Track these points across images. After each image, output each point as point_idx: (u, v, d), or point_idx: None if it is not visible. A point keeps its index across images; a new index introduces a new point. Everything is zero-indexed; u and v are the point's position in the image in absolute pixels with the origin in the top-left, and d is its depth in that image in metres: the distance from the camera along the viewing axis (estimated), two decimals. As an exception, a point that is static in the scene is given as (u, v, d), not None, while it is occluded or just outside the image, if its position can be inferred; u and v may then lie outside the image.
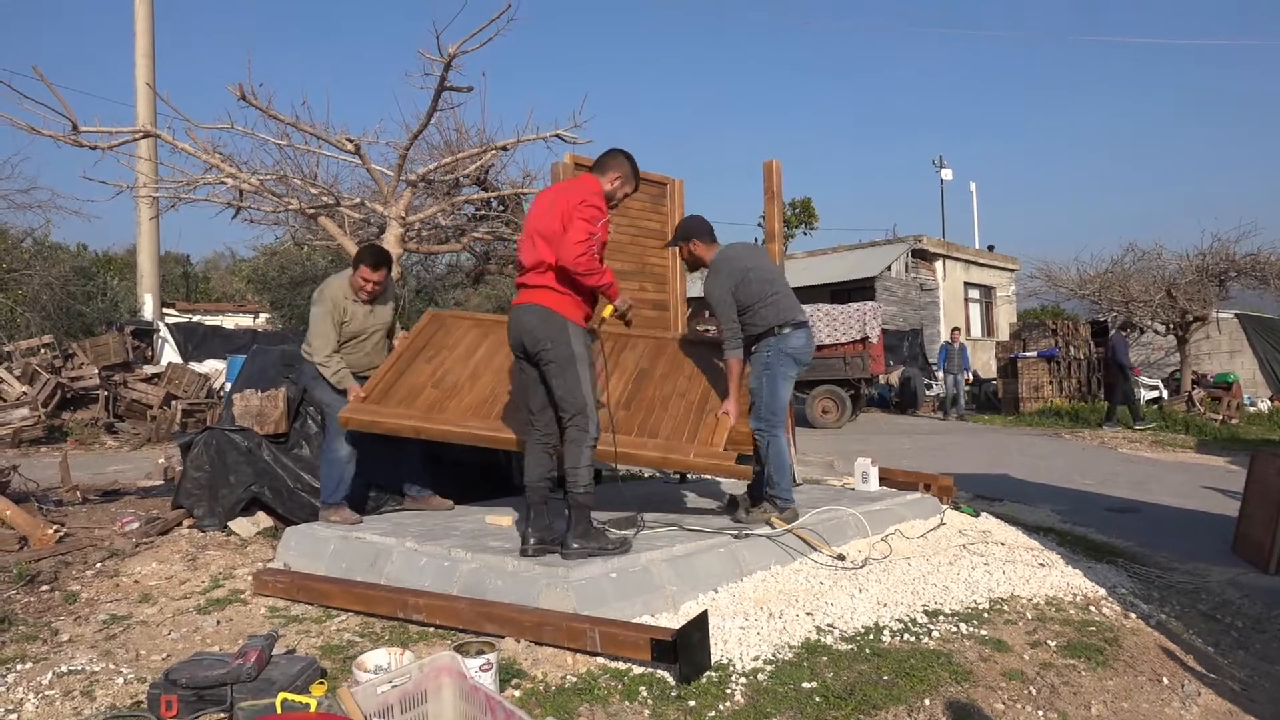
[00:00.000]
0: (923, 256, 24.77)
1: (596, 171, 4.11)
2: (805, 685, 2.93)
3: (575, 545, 3.80)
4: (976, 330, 26.33)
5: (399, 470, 5.37)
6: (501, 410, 4.78)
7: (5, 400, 11.75)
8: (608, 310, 4.25)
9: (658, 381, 4.99)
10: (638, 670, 3.04)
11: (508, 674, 2.98)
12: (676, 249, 5.09)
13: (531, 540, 3.88)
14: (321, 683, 2.79)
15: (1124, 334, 15.92)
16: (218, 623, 3.71)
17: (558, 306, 3.84)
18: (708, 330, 17.37)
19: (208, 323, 19.70)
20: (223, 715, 2.68)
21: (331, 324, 4.83)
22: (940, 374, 17.79)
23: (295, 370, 5.40)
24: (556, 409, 3.92)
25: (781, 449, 4.65)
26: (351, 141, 6.47)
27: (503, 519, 4.81)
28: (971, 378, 19.22)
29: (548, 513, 3.97)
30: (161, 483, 6.99)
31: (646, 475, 8.01)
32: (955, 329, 19.04)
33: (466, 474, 5.87)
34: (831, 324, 16.33)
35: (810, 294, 21.81)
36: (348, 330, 4.92)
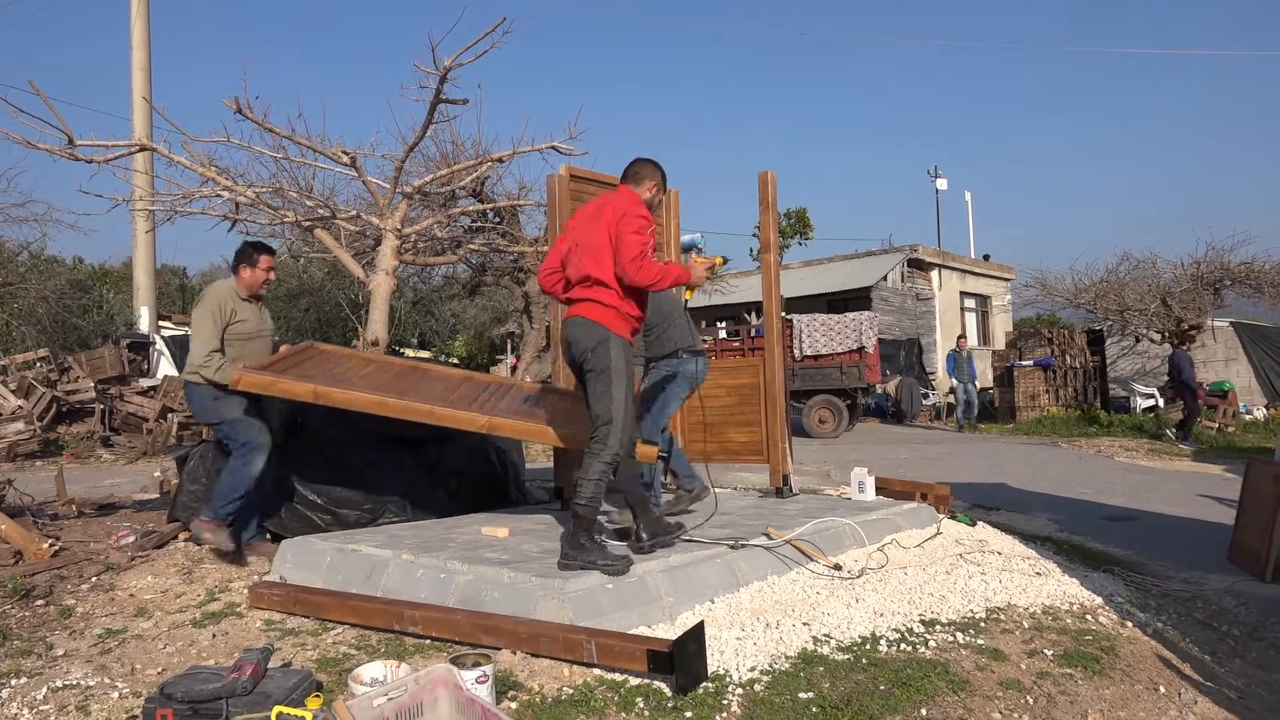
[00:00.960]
0: (918, 266, 24.83)
1: (631, 183, 4.19)
2: (802, 696, 2.93)
3: (570, 554, 3.78)
4: (973, 339, 26.36)
5: (274, 496, 5.16)
6: (415, 394, 4.81)
7: (0, 414, 11.73)
8: (701, 275, 4.27)
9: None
10: (634, 681, 3.03)
11: (504, 686, 2.97)
12: None
13: (645, 536, 4.07)
14: (317, 696, 2.79)
15: (1185, 348, 15.00)
16: (213, 636, 3.70)
17: (601, 319, 3.93)
18: (703, 340, 17.42)
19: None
20: (218, 729, 2.67)
21: (215, 325, 4.72)
22: (952, 382, 17.32)
23: (189, 404, 5.10)
24: (591, 411, 3.97)
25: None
26: (347, 154, 6.49)
27: (498, 530, 4.80)
28: (978, 386, 18.90)
29: (650, 508, 4.16)
30: (157, 496, 6.97)
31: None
32: (961, 337, 18.83)
33: (462, 484, 5.87)
34: (828, 334, 16.36)
35: (806, 304, 21.86)
36: (243, 330, 4.83)
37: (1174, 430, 14.13)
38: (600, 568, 3.71)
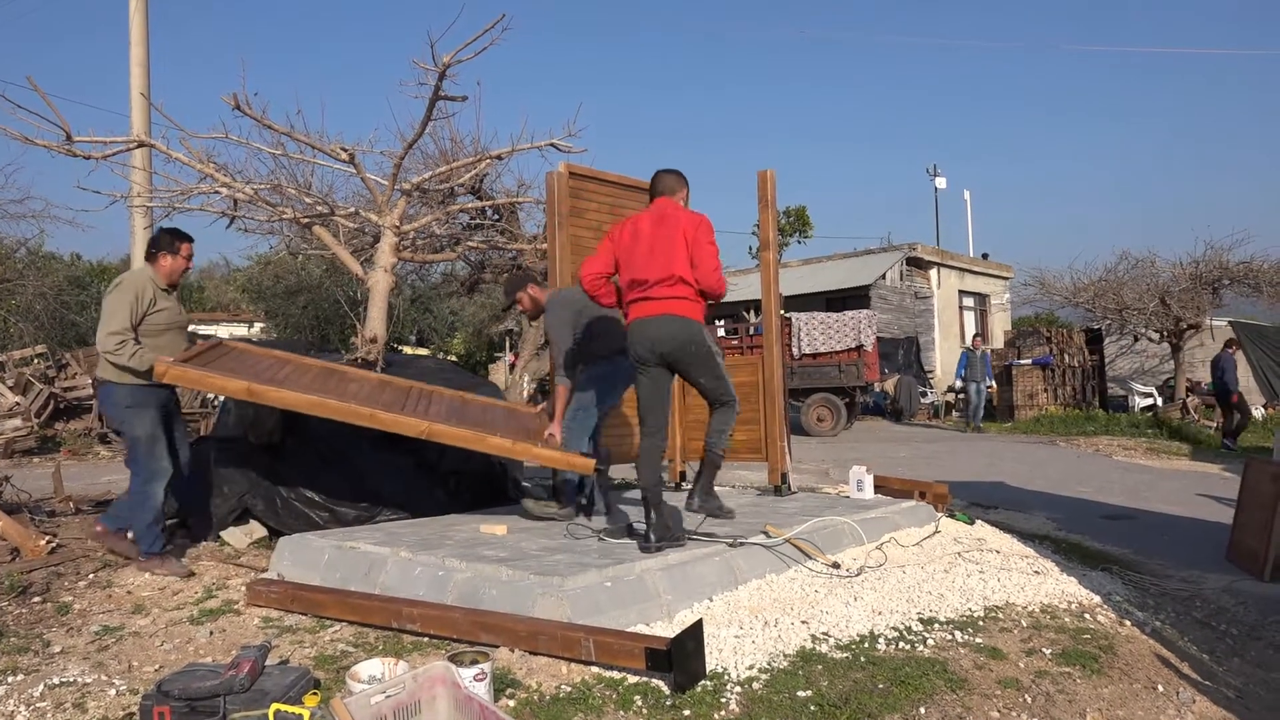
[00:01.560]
0: (917, 264, 24.83)
1: (669, 194, 4.48)
2: (800, 694, 2.93)
3: (698, 500, 4.45)
4: (971, 339, 26.36)
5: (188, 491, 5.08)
6: (345, 397, 4.75)
7: (-2, 410, 11.72)
8: None
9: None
10: (632, 679, 3.03)
11: (502, 684, 2.97)
12: (517, 302, 5.42)
13: (654, 537, 4.21)
14: (315, 693, 2.78)
15: (1231, 350, 14.33)
16: (211, 633, 3.69)
17: (692, 314, 4.29)
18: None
19: (202, 332, 19.66)
20: (215, 727, 2.66)
21: (130, 312, 4.49)
22: (958, 382, 16.80)
23: (100, 403, 4.90)
24: (706, 399, 4.52)
25: (579, 449, 5.07)
26: (346, 151, 6.47)
27: (497, 528, 4.80)
28: (993, 386, 18.17)
29: (665, 510, 4.30)
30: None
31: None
32: (976, 335, 18.59)
33: (460, 483, 5.86)
34: (826, 332, 16.36)
35: (805, 302, 21.86)
36: (161, 320, 4.63)
37: (1227, 441, 13.33)
38: (719, 514, 4.53)
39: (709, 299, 4.35)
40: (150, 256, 4.75)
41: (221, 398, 9.74)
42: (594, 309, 5.10)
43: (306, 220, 7.06)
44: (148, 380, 4.51)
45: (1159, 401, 18.66)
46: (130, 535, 4.67)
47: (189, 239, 4.82)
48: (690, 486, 4.86)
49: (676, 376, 4.54)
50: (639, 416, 4.49)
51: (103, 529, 4.80)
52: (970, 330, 26.41)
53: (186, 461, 4.87)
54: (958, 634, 3.54)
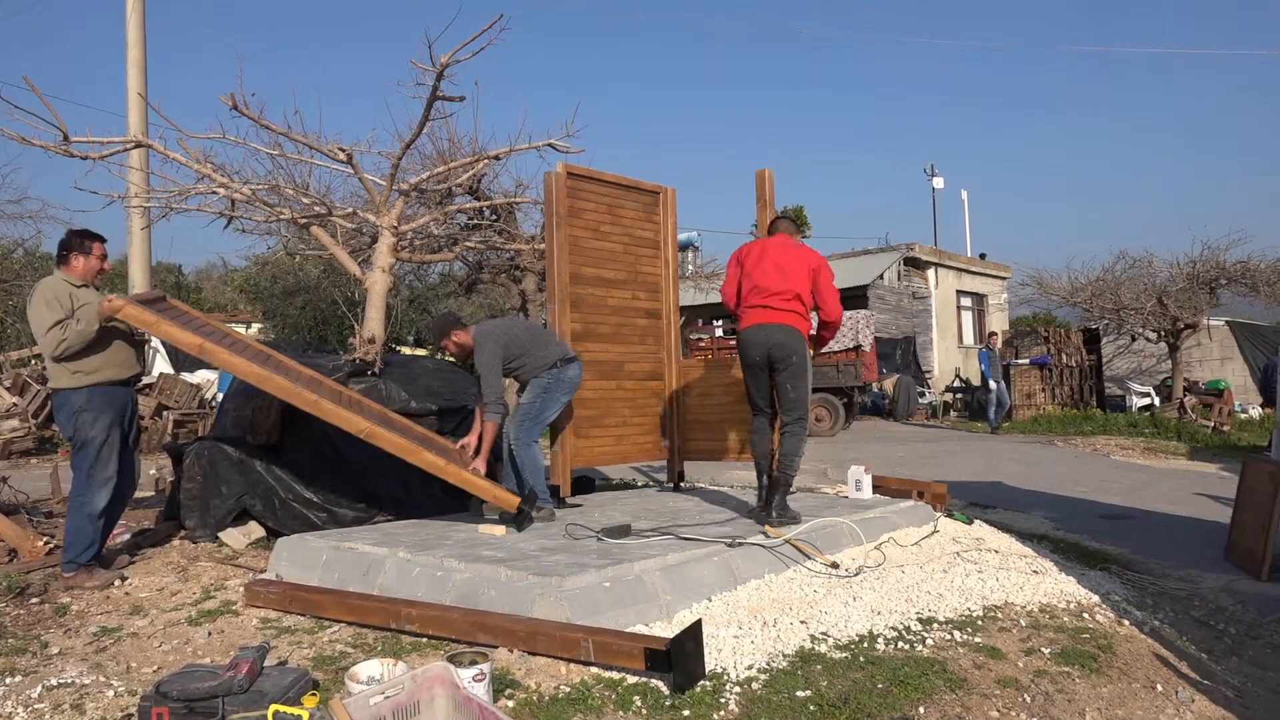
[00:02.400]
0: (915, 264, 24.83)
1: (794, 236, 5.19)
2: (799, 694, 2.93)
3: (775, 515, 4.79)
4: (969, 338, 26.39)
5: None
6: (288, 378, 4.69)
7: (-5, 411, 11.70)
8: None
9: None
10: (632, 680, 3.02)
11: (501, 684, 2.97)
12: (443, 348, 5.44)
13: (774, 515, 4.83)
14: (313, 694, 2.77)
15: None
16: (209, 634, 3.69)
17: (802, 329, 4.94)
18: (700, 339, 17.44)
19: (200, 333, 19.59)
20: (214, 728, 2.66)
21: (54, 311, 4.34)
22: (993, 383, 15.78)
23: (55, 413, 4.68)
24: (782, 406, 4.98)
25: (535, 456, 5.27)
26: (344, 151, 6.46)
27: (496, 529, 4.80)
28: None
29: (782, 484, 4.93)
30: (153, 494, 6.96)
31: (640, 485, 8.02)
32: (993, 333, 18.26)
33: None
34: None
35: (803, 302, 21.81)
36: (90, 312, 4.42)
37: None
38: (795, 524, 4.76)
39: (827, 327, 5.13)
40: (61, 259, 4.57)
41: (220, 399, 9.73)
42: (520, 333, 5.33)
43: (304, 220, 7.05)
44: (106, 379, 4.45)
45: (1156, 401, 18.68)
46: (74, 564, 4.43)
47: (101, 239, 4.67)
48: (760, 504, 5.13)
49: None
50: (749, 404, 5.15)
51: (68, 578, 4.45)
52: (968, 330, 26.47)
53: (136, 469, 4.80)
54: (957, 634, 3.54)
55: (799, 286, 4.90)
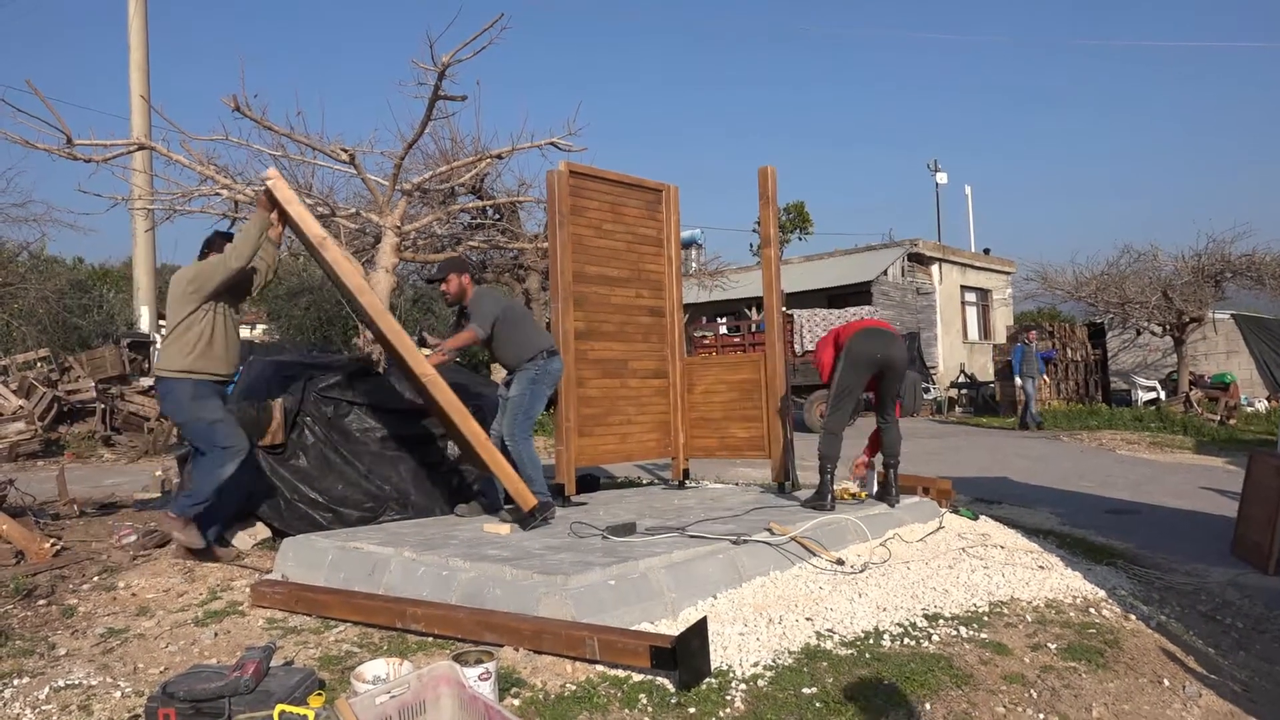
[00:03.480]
0: (919, 260, 24.79)
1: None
2: (805, 691, 2.92)
3: (896, 496, 5.47)
4: (974, 333, 26.35)
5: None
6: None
7: (1, 414, 11.73)
8: None
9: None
10: (637, 678, 3.02)
11: (507, 683, 2.97)
12: (445, 282, 5.44)
13: (817, 501, 5.27)
14: (320, 694, 2.78)
15: None
16: (215, 635, 3.69)
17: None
18: (704, 337, 17.43)
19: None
20: (221, 728, 2.66)
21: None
22: (1017, 380, 15.36)
23: (161, 399, 4.90)
24: (889, 406, 5.52)
25: (533, 452, 5.29)
26: (346, 152, 6.47)
27: (501, 528, 4.80)
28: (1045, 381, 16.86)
29: (828, 481, 5.31)
30: (159, 495, 6.97)
31: (645, 483, 8.01)
32: (1028, 328, 17.81)
33: (464, 482, 5.86)
34: (828, 329, 16.32)
35: (807, 299, 21.83)
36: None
37: None
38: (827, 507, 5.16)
39: None
40: (204, 257, 4.81)
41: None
42: (518, 309, 5.49)
43: (307, 221, 7.05)
44: (209, 374, 4.63)
45: (1162, 395, 18.62)
46: (179, 510, 4.63)
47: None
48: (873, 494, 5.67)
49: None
50: (834, 403, 5.42)
51: (168, 518, 4.67)
52: (973, 325, 26.42)
53: None
54: (963, 630, 3.54)
55: None
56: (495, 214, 11.28)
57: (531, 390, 5.32)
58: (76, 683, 3.13)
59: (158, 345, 16.16)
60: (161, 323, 20.10)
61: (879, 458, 5.69)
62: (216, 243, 4.86)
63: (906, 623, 3.59)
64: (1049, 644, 3.46)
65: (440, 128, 10.14)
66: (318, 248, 4.68)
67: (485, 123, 17.71)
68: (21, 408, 12.00)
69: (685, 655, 2.91)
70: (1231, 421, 15.34)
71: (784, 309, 7.52)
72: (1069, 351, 19.76)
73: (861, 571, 4.26)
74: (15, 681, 3.16)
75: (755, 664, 3.13)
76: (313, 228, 4.67)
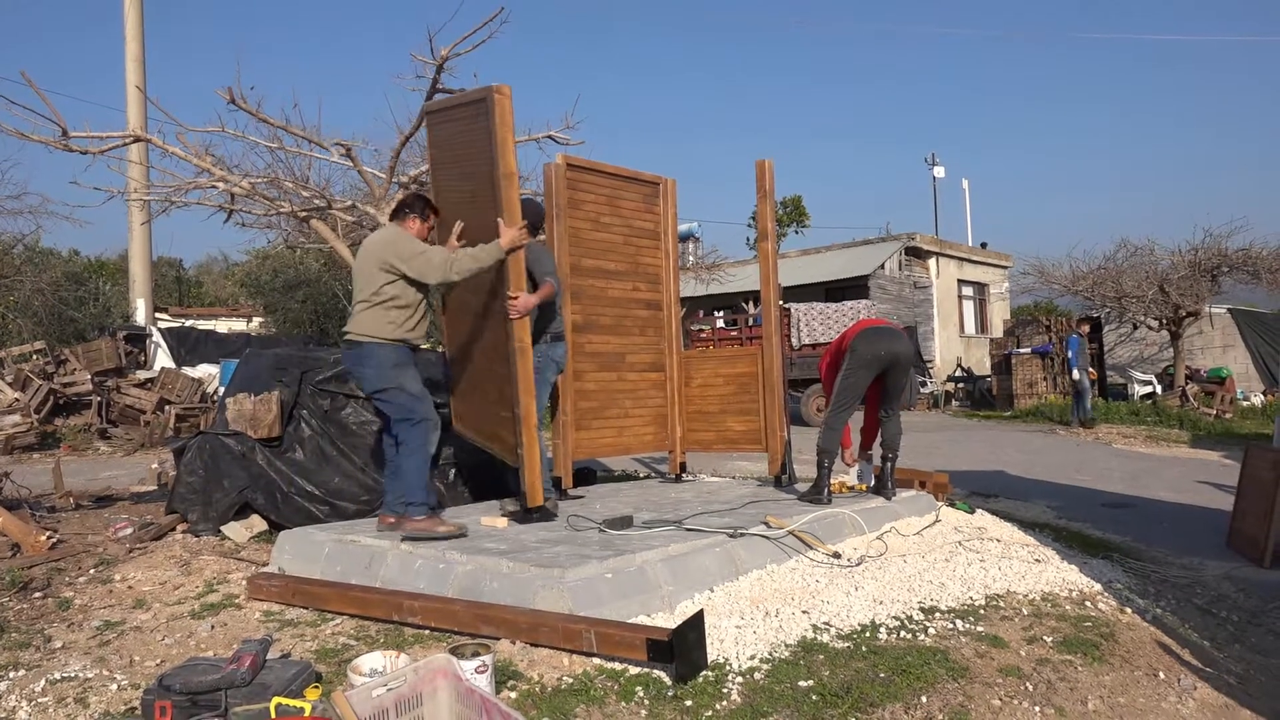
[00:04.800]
0: (916, 254, 24.79)
1: None
2: (802, 684, 2.93)
3: (891, 488, 5.49)
4: (970, 327, 26.36)
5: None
6: None
7: (-3, 407, 11.70)
8: None
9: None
10: (634, 670, 3.03)
11: (504, 676, 2.97)
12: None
13: (811, 495, 5.34)
14: (316, 687, 2.78)
15: None
16: (212, 628, 3.69)
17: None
18: (701, 330, 17.43)
19: (201, 327, 19.63)
20: (217, 720, 2.67)
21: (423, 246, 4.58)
22: (1075, 374, 14.51)
23: (356, 364, 4.53)
24: (895, 400, 5.55)
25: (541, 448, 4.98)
26: (343, 144, 6.46)
27: (498, 521, 4.79)
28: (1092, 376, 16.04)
29: (826, 476, 5.35)
30: (155, 488, 6.96)
31: (642, 476, 8.02)
32: (1082, 319, 17.44)
33: (461, 475, 5.86)
34: (825, 322, 16.34)
35: (804, 293, 21.83)
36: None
37: None
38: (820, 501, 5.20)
39: None
40: (402, 216, 4.65)
41: (220, 391, 9.72)
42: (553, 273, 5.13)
43: (304, 214, 7.05)
44: (405, 339, 4.48)
45: (1158, 389, 18.66)
46: (424, 508, 4.42)
47: (436, 211, 4.78)
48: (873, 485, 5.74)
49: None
50: (837, 400, 5.39)
51: (415, 524, 4.37)
52: (970, 319, 26.43)
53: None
54: (959, 623, 3.55)
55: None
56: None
57: (536, 379, 4.99)
58: (73, 675, 3.13)
59: (154, 338, 16.18)
60: (159, 315, 20.14)
61: (877, 450, 5.69)
62: (417, 205, 4.68)
63: (903, 616, 3.60)
64: (1045, 637, 3.46)
65: (437, 120, 10.09)
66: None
67: (482, 115, 17.58)
68: (17, 400, 11.98)
69: (682, 648, 2.91)
70: (1227, 415, 15.37)
71: (781, 302, 7.53)
72: (1065, 346, 19.74)
73: (858, 565, 4.27)
74: (11, 674, 3.16)
75: (752, 657, 3.13)
76: (520, 282, 4.66)
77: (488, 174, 4.78)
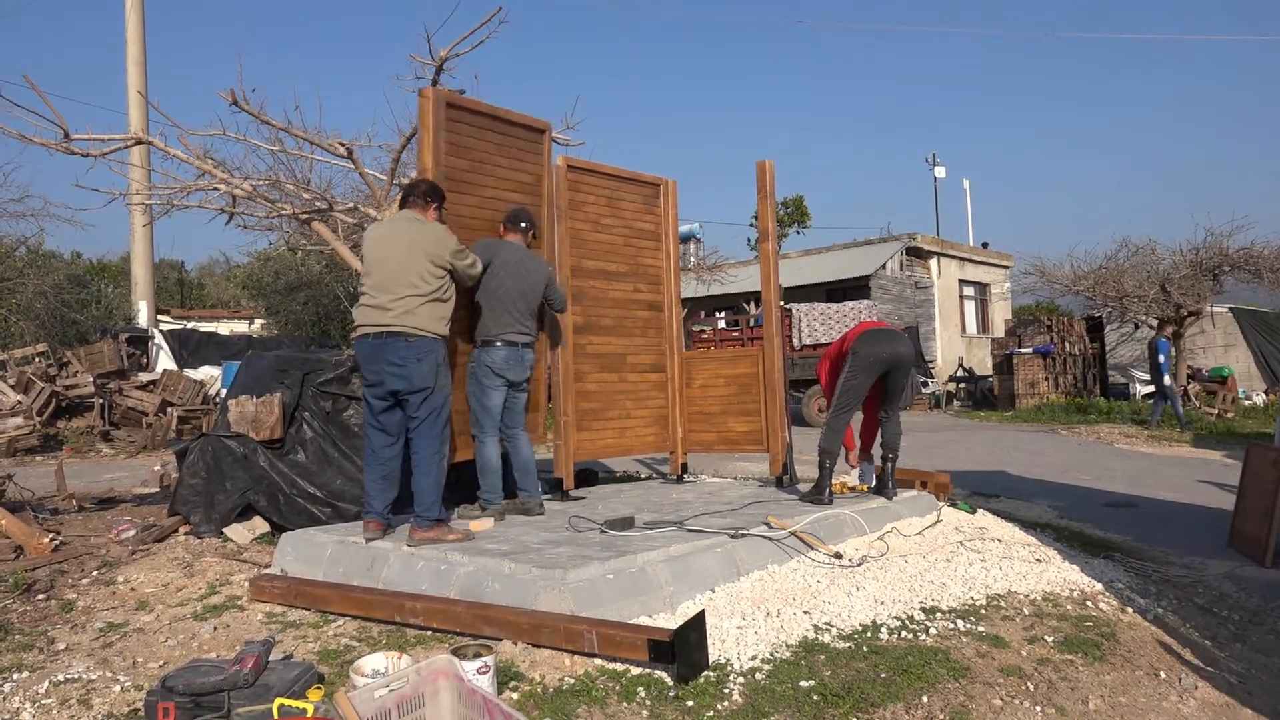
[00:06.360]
0: (917, 254, 24.78)
1: None
2: (803, 684, 2.93)
3: (892, 488, 5.51)
4: (972, 327, 26.35)
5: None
6: None
7: (0, 409, 11.72)
8: None
9: None
10: (635, 671, 3.03)
11: (505, 676, 2.98)
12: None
13: (814, 495, 5.35)
14: (319, 688, 2.79)
15: None
16: (215, 629, 3.70)
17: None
18: (702, 331, 17.43)
19: (203, 329, 19.67)
20: (220, 722, 2.67)
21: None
22: (1167, 379, 13.66)
23: (414, 360, 4.29)
24: (896, 401, 5.57)
25: (487, 454, 4.97)
26: (344, 146, 6.47)
27: (485, 522, 4.79)
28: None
29: (827, 475, 5.38)
30: (157, 490, 6.97)
31: (643, 477, 8.02)
32: (1165, 322, 16.99)
33: (462, 476, 5.86)
34: (826, 323, 16.35)
35: (805, 293, 21.83)
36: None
37: None
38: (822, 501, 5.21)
39: None
40: (431, 202, 4.55)
41: (222, 393, 9.72)
42: (512, 272, 4.92)
43: (305, 216, 7.06)
44: (446, 337, 4.46)
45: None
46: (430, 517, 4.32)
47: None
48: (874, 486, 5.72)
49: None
50: (839, 402, 5.39)
51: (423, 534, 4.28)
52: (971, 319, 26.42)
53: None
54: (960, 623, 3.55)
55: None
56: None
57: (474, 387, 4.95)
58: (76, 677, 3.14)
59: (156, 340, 16.20)
60: (161, 318, 20.16)
61: (878, 451, 5.69)
62: (437, 196, 4.59)
63: (904, 616, 3.60)
64: (1046, 637, 3.47)
65: (438, 122, 10.09)
66: None
67: (483, 117, 17.60)
68: (20, 403, 12.00)
69: (683, 649, 2.92)
70: (1229, 415, 15.36)
71: (782, 303, 7.53)
72: (1067, 345, 19.76)
73: (859, 565, 4.27)
74: (15, 676, 3.17)
75: (753, 657, 3.14)
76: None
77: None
